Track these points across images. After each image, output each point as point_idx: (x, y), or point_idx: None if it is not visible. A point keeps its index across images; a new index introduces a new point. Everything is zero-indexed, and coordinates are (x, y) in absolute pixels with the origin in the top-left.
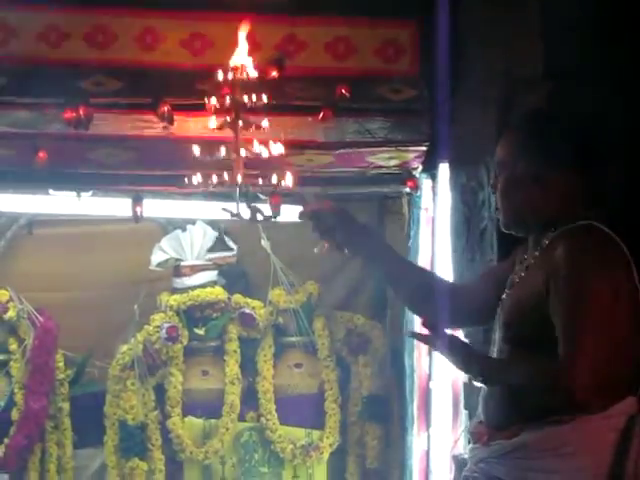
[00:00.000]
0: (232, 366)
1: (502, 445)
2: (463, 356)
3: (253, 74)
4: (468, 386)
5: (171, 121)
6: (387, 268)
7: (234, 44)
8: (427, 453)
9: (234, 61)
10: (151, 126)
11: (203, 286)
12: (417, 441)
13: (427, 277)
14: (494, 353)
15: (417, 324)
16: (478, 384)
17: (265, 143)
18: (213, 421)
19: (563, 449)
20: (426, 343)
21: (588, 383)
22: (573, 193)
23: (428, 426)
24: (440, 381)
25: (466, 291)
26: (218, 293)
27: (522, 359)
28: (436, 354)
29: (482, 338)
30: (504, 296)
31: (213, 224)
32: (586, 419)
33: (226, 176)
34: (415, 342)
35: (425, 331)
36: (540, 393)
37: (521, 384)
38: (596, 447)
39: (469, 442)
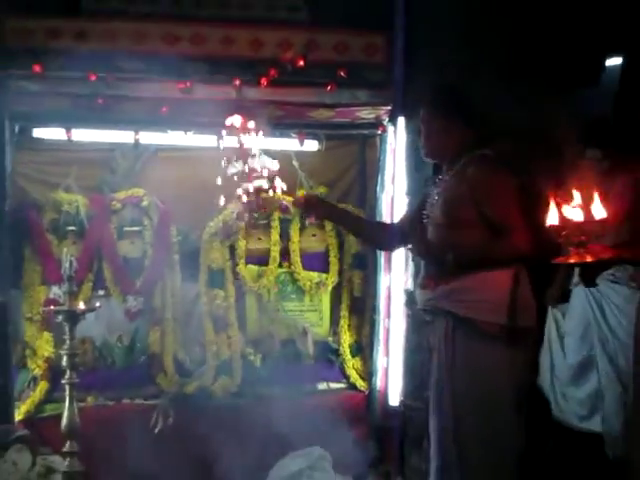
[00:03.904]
0: (275, 235)
1: (444, 289)
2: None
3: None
4: (415, 249)
5: None
6: (349, 225)
7: None
8: (389, 288)
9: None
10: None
11: None
12: (384, 280)
13: (375, 224)
14: (432, 240)
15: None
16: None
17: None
18: (263, 267)
19: (481, 287)
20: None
21: (526, 242)
22: (466, 137)
23: (390, 271)
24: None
25: (399, 226)
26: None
27: (459, 238)
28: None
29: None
30: (430, 207)
31: (267, 152)
32: (494, 271)
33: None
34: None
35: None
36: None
37: (464, 254)
38: (500, 286)
39: (418, 289)
